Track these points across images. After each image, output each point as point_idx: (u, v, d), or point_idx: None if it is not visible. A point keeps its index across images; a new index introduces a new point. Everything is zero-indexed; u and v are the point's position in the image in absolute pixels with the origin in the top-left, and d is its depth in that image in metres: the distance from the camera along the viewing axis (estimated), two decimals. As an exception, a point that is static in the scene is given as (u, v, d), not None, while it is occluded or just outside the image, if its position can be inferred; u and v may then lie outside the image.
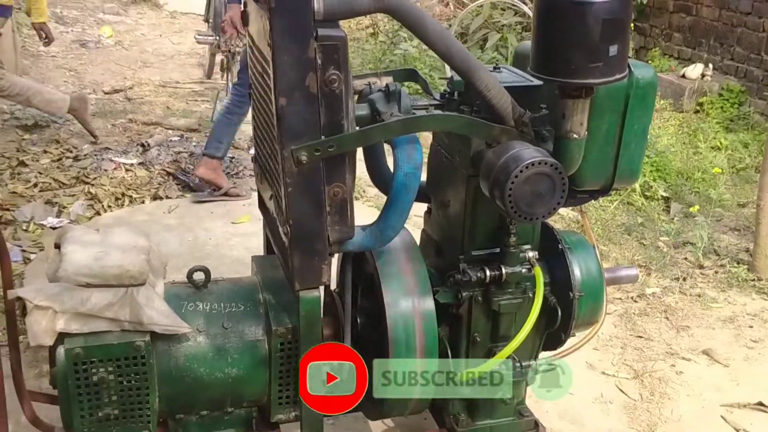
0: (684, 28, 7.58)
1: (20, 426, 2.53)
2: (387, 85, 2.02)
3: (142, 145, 5.24)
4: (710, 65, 7.07)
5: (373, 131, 1.85)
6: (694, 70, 7.02)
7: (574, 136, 1.90)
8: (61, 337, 1.91)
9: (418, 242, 2.32)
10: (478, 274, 2.08)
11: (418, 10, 1.83)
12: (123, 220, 4.15)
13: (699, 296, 3.86)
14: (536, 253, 2.10)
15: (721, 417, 2.97)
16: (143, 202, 4.49)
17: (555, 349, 2.27)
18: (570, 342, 2.25)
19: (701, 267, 4.16)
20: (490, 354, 2.19)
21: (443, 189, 2.23)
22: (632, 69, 1.94)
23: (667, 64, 7.48)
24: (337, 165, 1.86)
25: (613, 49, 1.75)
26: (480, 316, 2.16)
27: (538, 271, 2.06)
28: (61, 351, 1.91)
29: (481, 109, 1.99)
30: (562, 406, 2.94)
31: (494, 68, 2.10)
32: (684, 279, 4.01)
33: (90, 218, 4.22)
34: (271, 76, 1.76)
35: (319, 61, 1.75)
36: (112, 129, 5.71)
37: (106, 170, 4.82)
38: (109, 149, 5.22)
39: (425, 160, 2.04)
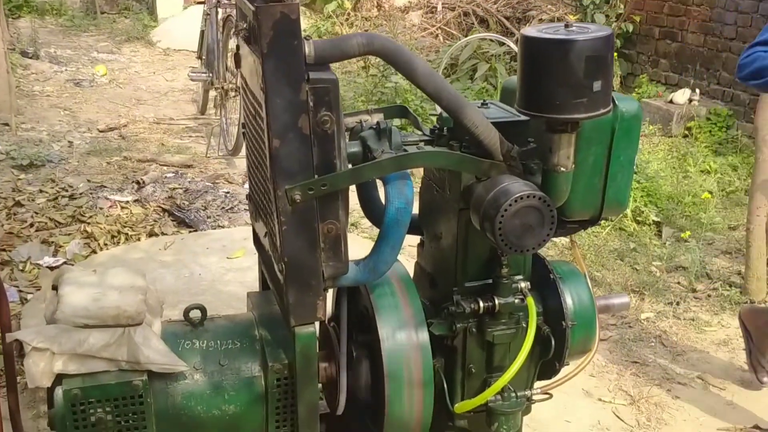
0: (670, 55, 7.70)
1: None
2: (378, 123, 2.06)
3: (137, 182, 5.28)
4: (697, 90, 7.17)
5: (365, 169, 1.89)
6: (682, 96, 7.12)
7: (562, 169, 1.94)
8: (59, 378, 1.93)
9: (411, 274, 2.35)
10: (472, 306, 2.10)
11: (406, 52, 1.88)
12: (119, 259, 4.17)
13: (693, 320, 3.89)
14: (528, 283, 2.13)
15: (718, 441, 2.99)
16: (139, 239, 4.52)
17: (549, 378, 2.29)
18: (564, 371, 2.26)
19: (694, 291, 4.20)
20: (486, 385, 2.21)
21: (435, 222, 2.27)
22: (617, 102, 1.98)
23: (654, 89, 7.58)
24: (330, 202, 1.90)
25: (597, 85, 1.79)
26: (475, 347, 2.18)
27: (530, 302, 2.09)
28: (59, 392, 1.92)
29: (471, 145, 2.03)
30: (560, 434, 2.96)
31: (482, 104, 2.14)
32: (677, 303, 4.05)
33: (86, 257, 4.24)
34: (264, 118, 1.80)
35: (311, 103, 1.79)
36: (107, 167, 5.75)
37: (101, 208, 4.85)
38: (105, 187, 5.26)
39: (417, 192, 2.08)
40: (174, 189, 5.25)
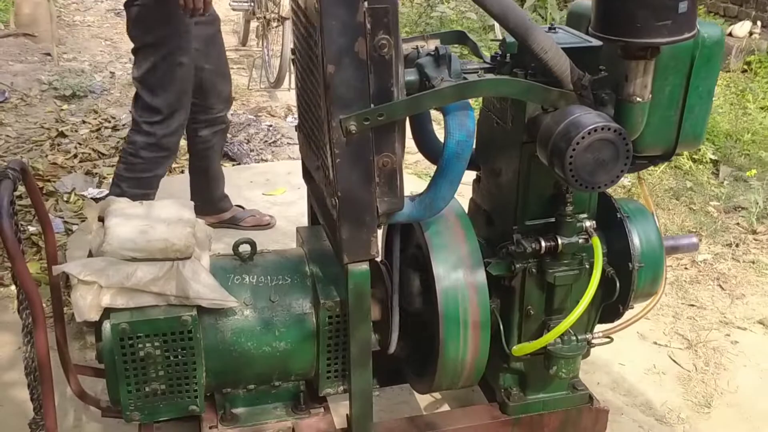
0: (731, -16, 7.31)
1: (66, 398, 2.54)
2: (436, 49, 1.93)
3: (179, 114, 5.20)
4: (758, 23, 6.81)
5: (424, 98, 1.77)
6: (742, 28, 6.78)
7: (638, 99, 1.79)
8: (107, 312, 1.88)
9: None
10: (533, 245, 1.99)
11: None
12: (162, 191, 4.12)
13: (753, 263, 3.73)
14: (594, 222, 2.01)
15: (781, 389, 2.87)
16: (182, 172, 4.46)
17: (611, 321, 2.19)
18: (627, 314, 2.16)
19: (754, 232, 4.02)
20: (544, 327, 2.12)
21: (494, 156, 2.14)
22: (698, 27, 1.82)
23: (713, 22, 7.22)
24: (386, 134, 1.78)
25: (682, 5, 1.63)
26: (534, 289, 2.08)
27: (596, 241, 1.97)
28: (107, 326, 1.88)
29: (537, 72, 1.90)
30: (614, 377, 2.87)
31: (549, 28, 1.99)
32: (736, 245, 3.88)
33: (130, 188, 4.20)
34: (319, 42, 1.68)
35: (368, 26, 1.66)
36: (148, 98, 5.67)
37: (145, 140, 4.79)
38: (147, 119, 5.19)
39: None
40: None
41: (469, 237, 2.07)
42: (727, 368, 2.97)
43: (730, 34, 6.77)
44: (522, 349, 2.02)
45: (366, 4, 1.65)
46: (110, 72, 6.19)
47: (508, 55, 1.99)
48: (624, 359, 2.95)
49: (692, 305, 3.38)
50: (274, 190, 4.14)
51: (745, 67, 6.63)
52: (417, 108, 1.80)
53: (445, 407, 2.65)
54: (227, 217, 3.73)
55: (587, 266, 2.06)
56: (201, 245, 2.04)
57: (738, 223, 4.11)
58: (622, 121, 1.81)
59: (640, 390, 2.84)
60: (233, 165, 4.60)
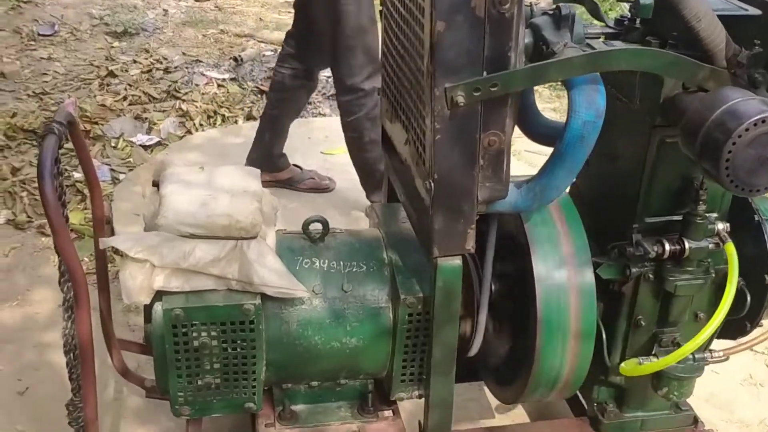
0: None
1: (106, 366, 2.33)
2: (558, 8, 1.61)
3: (235, 59, 4.93)
4: None
5: (549, 68, 1.46)
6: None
7: (808, 85, 1.46)
8: (159, 294, 1.64)
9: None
10: (655, 248, 1.70)
11: None
12: (217, 142, 3.88)
13: None
14: (727, 225, 1.70)
15: None
16: (236, 122, 4.21)
17: (734, 338, 1.89)
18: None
19: None
20: (654, 340, 1.84)
21: (611, 138, 1.82)
22: None
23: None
24: (497, 108, 1.49)
25: None
26: (648, 297, 1.79)
27: (731, 249, 1.67)
28: (158, 310, 1.64)
29: (678, 43, 1.57)
30: (708, 388, 2.57)
31: (698, -10, 1.65)
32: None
33: (181, 137, 3.97)
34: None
35: (488, -26, 1.36)
36: (203, 40, 5.41)
37: (197, 85, 4.54)
38: (200, 62, 4.94)
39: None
40: (272, 69, 4.87)
41: (576, 231, 1.77)
42: (835, 385, 2.66)
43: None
44: (634, 369, 1.73)
45: (491, -49, 1.34)
46: (163, 9, 5.91)
47: (639, 19, 1.67)
48: (718, 367, 2.64)
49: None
50: (333, 149, 3.85)
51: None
52: (538, 79, 1.49)
53: (520, 411, 2.39)
54: (284, 177, 3.47)
55: (713, 274, 1.76)
56: (267, 221, 1.78)
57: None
58: (787, 108, 1.49)
59: (737, 404, 2.54)
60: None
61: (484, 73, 1.43)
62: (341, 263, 1.79)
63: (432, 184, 1.52)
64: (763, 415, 2.51)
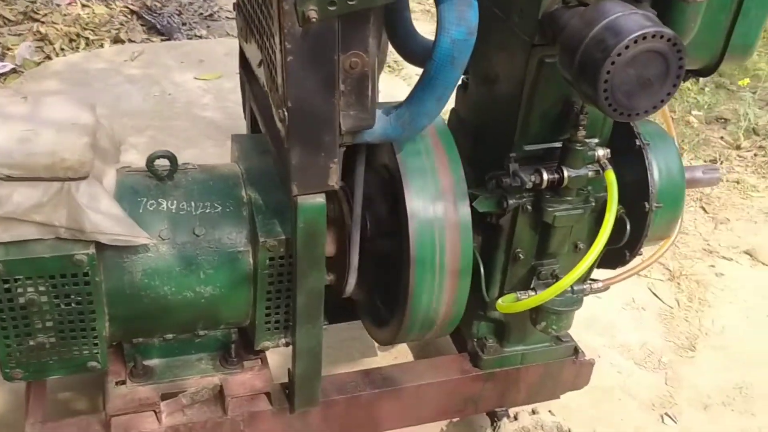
0: None
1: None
2: None
3: (102, -24, 4.50)
4: None
5: (412, -23, 1.28)
6: None
7: (695, -3, 1.34)
8: (-26, 246, 1.41)
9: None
10: (533, 178, 1.58)
11: None
12: (78, 68, 3.54)
13: (737, 183, 3.42)
14: (608, 151, 1.60)
15: (769, 330, 2.61)
16: (102, 46, 3.85)
17: (614, 268, 1.83)
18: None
19: (738, 148, 3.70)
20: (533, 273, 1.75)
21: (490, 59, 1.68)
22: None
23: None
24: (357, 26, 1.31)
25: None
26: (526, 229, 1.69)
27: (610, 176, 1.57)
28: (-26, 263, 1.41)
29: (559, -50, 1.42)
30: (589, 312, 2.53)
31: None
32: (720, 162, 3.55)
33: (38, 63, 3.60)
34: None
35: None
36: (66, -46, 4.91)
37: (58, 5, 4.12)
38: (63, -21, 4.47)
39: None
40: (144, -13, 4.49)
41: (452, 162, 1.63)
42: (711, 305, 2.69)
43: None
44: (510, 306, 1.64)
45: None
46: None
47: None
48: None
49: (673, 229, 3.06)
50: (208, 74, 3.57)
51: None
52: (401, -9, 1.31)
53: (403, 348, 2.29)
54: None
55: (593, 203, 1.67)
56: (105, 157, 1.56)
57: (722, 138, 3.77)
58: (671, 22, 1.36)
59: (618, 328, 2.54)
60: (162, 40, 3.99)
61: (339, -16, 1.24)
62: (193, 204, 1.59)
63: (286, 114, 1.34)
64: (644, 338, 2.51)
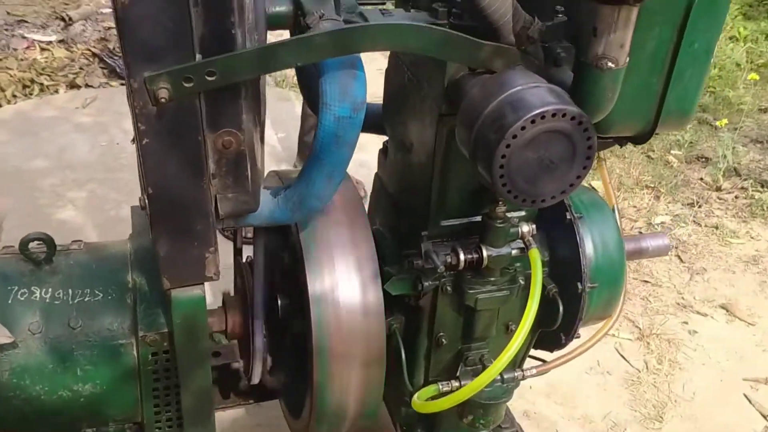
0: None
1: None
2: (317, -35, 1.28)
3: (63, 19, 4.39)
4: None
5: (280, 51, 1.12)
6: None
7: (610, 64, 1.17)
8: None
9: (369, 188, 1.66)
10: (448, 259, 1.42)
11: None
12: (26, 116, 3.40)
13: (716, 228, 3.25)
14: (533, 226, 1.44)
15: (744, 396, 2.42)
16: (56, 92, 3.72)
17: (550, 351, 1.66)
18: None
19: (719, 189, 3.53)
20: (460, 358, 1.58)
21: (405, 124, 1.53)
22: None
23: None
24: (227, 102, 1.15)
25: None
26: (448, 311, 1.52)
27: (534, 255, 1.39)
28: None
29: (464, 12, 1.27)
30: (549, 379, 2.36)
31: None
32: (698, 205, 3.39)
33: (-15, 112, 3.47)
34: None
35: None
36: (33, -5, 4.82)
37: (15, 50, 4.01)
38: (26, 22, 4.38)
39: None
40: (109, 29, 4.38)
41: (362, 239, 1.47)
42: (683, 367, 2.51)
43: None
44: (426, 406, 1.46)
45: None
46: (-11, -39, 5.24)
47: (427, -20, 1.36)
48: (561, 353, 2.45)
49: (646, 281, 2.89)
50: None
51: (714, -11, 6.02)
52: (269, 65, 1.15)
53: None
54: None
55: (522, 282, 1.50)
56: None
57: (702, 179, 3.60)
58: (584, 93, 1.21)
59: (580, 397, 2.36)
60: (121, 84, 3.86)
61: (198, 56, 1.09)
62: (70, 291, 1.43)
63: (147, 200, 1.18)
64: (608, 407, 2.33)
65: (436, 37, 1.16)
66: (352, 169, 1.34)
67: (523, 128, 1.07)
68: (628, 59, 1.20)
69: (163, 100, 1.07)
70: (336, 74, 1.18)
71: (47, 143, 3.12)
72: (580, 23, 1.22)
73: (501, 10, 1.18)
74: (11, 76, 3.72)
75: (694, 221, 3.28)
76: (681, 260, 3.03)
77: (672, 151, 3.82)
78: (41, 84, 3.72)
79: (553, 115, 1.08)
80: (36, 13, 4.55)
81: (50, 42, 4.15)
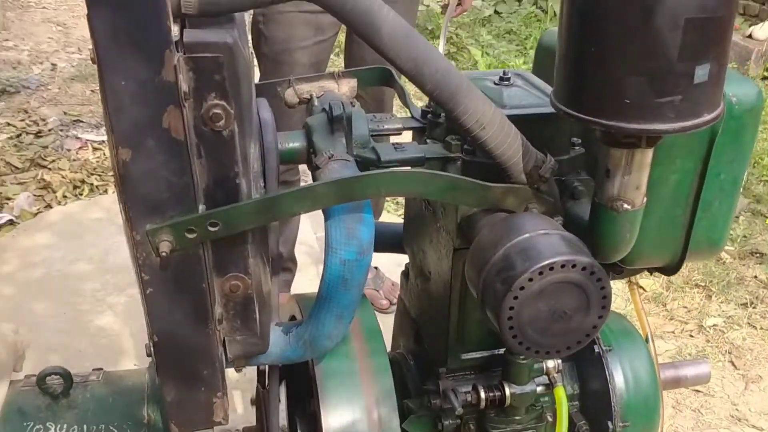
0: (753, -21, 6.59)
1: None
2: (330, 106, 1.29)
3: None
4: (783, 23, 6.11)
5: (285, 200, 1.12)
6: (763, 29, 6.07)
7: (625, 206, 1.13)
8: None
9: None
10: (468, 397, 1.36)
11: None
12: (74, 218, 3.49)
13: (773, 331, 3.09)
14: (559, 361, 1.37)
15: None
16: (105, 191, 3.82)
17: (581, 491, 1.56)
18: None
19: (775, 288, 3.37)
20: (485, 499, 1.49)
21: (423, 251, 1.50)
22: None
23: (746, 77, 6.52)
24: (231, 248, 1.14)
25: (701, 72, 0.97)
26: (471, 449, 1.45)
27: (560, 394, 1.33)
28: None
29: (476, 148, 1.25)
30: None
31: (500, 80, 1.33)
32: (753, 305, 3.23)
33: (36, 214, 3.57)
34: (106, 114, 1.03)
35: (187, 86, 1.02)
36: (90, 96, 5.02)
37: (69, 150, 4.15)
38: (81, 122, 4.55)
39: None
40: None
41: (380, 371, 1.42)
42: (739, 490, 2.34)
43: (750, 36, 6.08)
44: None
45: (181, 52, 1.00)
46: (52, 63, 5.52)
47: (442, 114, 1.35)
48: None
49: (698, 390, 2.74)
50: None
51: (766, 74, 5.94)
52: (273, 214, 1.14)
53: None
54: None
55: (549, 419, 1.43)
56: (-9, 375, 1.41)
57: (756, 276, 3.46)
58: (600, 233, 1.17)
59: None
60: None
61: (202, 207, 1.09)
62: (85, 427, 1.42)
63: (153, 347, 1.17)
64: None
65: (442, 183, 1.13)
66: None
67: (530, 280, 1.03)
68: (645, 200, 1.15)
69: (164, 253, 1.07)
70: (342, 218, 1.16)
71: (91, 247, 3.18)
72: (595, 159, 1.19)
73: (509, 152, 1.16)
74: (63, 177, 3.84)
75: (748, 323, 3.13)
76: (735, 366, 2.88)
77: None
78: (91, 184, 3.83)
79: (563, 266, 1.03)
80: (92, 112, 4.74)
81: (103, 141, 4.29)
